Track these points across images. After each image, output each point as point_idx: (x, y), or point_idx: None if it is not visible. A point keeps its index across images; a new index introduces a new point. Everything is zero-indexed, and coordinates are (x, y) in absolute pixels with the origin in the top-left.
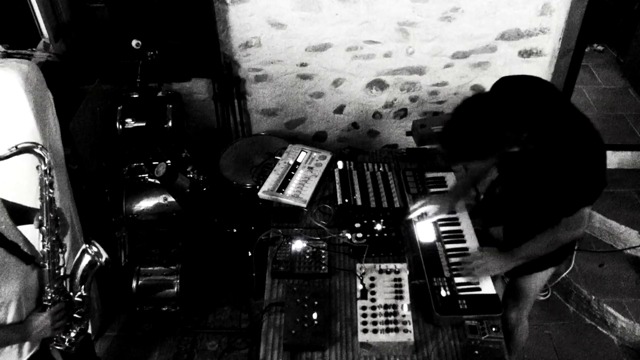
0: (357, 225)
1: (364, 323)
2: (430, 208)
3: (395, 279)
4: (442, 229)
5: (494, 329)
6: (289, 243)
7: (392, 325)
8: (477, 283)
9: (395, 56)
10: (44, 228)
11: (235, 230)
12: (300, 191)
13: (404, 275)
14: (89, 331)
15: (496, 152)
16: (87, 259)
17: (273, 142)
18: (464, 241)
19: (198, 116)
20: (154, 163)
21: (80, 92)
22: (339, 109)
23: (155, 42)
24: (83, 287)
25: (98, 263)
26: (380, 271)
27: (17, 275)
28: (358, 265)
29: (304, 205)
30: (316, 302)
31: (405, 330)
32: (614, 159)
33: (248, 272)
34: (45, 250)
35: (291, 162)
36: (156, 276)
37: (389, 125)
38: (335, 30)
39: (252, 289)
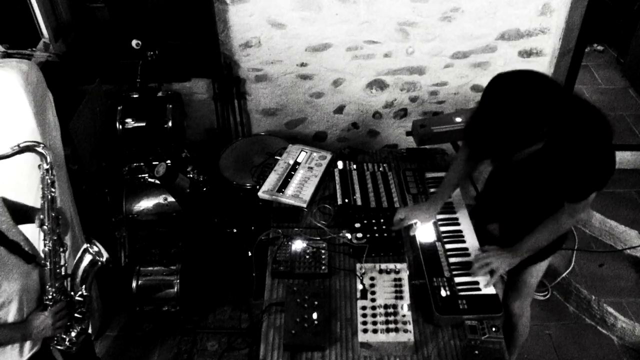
0: (357, 225)
1: (364, 323)
2: (414, 220)
3: (395, 279)
4: (442, 229)
5: (494, 329)
6: (289, 243)
7: (392, 325)
8: (487, 284)
9: (395, 56)
10: (45, 227)
11: (235, 230)
12: (300, 191)
13: (404, 275)
14: (89, 331)
15: (520, 148)
16: (88, 258)
17: (273, 142)
18: (464, 241)
19: (198, 116)
20: (154, 163)
21: (80, 92)
22: (339, 109)
23: (155, 42)
24: (84, 286)
25: (99, 263)
26: (380, 271)
27: (18, 274)
28: (358, 265)
29: (304, 205)
30: (316, 302)
31: (405, 330)
32: None
33: (248, 272)
34: (46, 249)
35: (291, 162)
36: (156, 276)
37: (389, 125)
38: (335, 30)
39: (252, 289)
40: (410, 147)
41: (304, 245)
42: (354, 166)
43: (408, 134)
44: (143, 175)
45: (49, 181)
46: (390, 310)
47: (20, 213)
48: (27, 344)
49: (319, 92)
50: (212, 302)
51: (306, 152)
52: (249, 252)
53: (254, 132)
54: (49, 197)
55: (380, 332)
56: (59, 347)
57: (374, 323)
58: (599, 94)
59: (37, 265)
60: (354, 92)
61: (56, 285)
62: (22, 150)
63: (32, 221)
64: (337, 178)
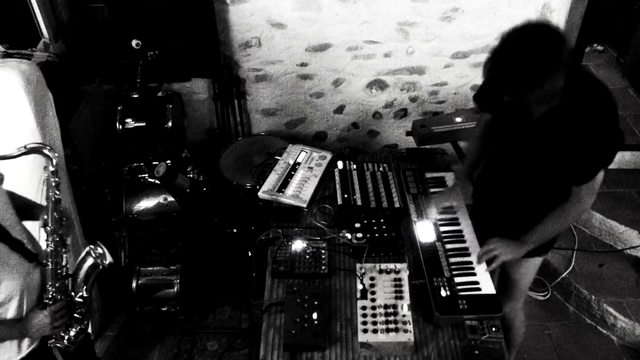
0: (357, 225)
1: (364, 323)
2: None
3: (395, 279)
4: (442, 229)
5: (494, 329)
6: (289, 243)
7: (392, 325)
8: (487, 270)
9: (395, 56)
10: (48, 228)
11: (235, 230)
12: (300, 191)
13: (404, 275)
14: (89, 331)
15: (545, 87)
16: (90, 260)
17: (273, 142)
18: (464, 241)
19: (198, 116)
20: (154, 163)
21: (80, 92)
22: (339, 109)
23: (155, 42)
24: (85, 288)
25: (100, 266)
26: (380, 271)
27: (19, 272)
28: (358, 265)
29: (304, 205)
30: (316, 302)
31: (405, 330)
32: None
33: (248, 272)
34: (48, 249)
35: (291, 162)
36: (156, 276)
37: (389, 125)
38: (335, 30)
39: (252, 289)
40: (410, 147)
41: (304, 245)
42: (354, 166)
43: (408, 134)
44: (143, 175)
45: (53, 183)
46: (390, 310)
47: (26, 209)
48: (26, 341)
49: (319, 92)
50: (212, 302)
51: (306, 152)
52: (249, 252)
53: (254, 132)
54: (53, 198)
55: (380, 332)
56: (57, 345)
57: (374, 323)
58: None
59: (39, 264)
60: (354, 92)
61: (56, 285)
62: (28, 151)
63: (36, 218)
64: (337, 178)
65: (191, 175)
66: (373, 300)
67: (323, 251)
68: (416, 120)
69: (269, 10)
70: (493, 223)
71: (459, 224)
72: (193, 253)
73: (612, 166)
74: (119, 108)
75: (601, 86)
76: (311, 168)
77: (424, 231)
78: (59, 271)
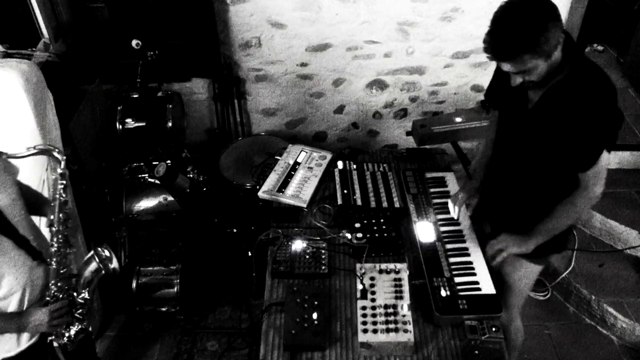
0: (357, 225)
1: (364, 323)
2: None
3: (395, 279)
4: (442, 229)
5: (494, 329)
6: (289, 243)
7: (392, 325)
8: (494, 265)
9: (395, 56)
10: (53, 228)
11: (235, 230)
12: (300, 191)
13: (404, 275)
14: (90, 330)
15: (542, 46)
16: (94, 263)
17: (273, 142)
18: (464, 241)
19: (198, 116)
20: (154, 163)
21: (80, 92)
22: (339, 109)
23: (155, 42)
24: (87, 289)
25: (103, 270)
26: (380, 271)
27: (23, 268)
28: (358, 265)
29: (304, 205)
30: (316, 302)
31: (405, 330)
32: (614, 158)
33: (248, 272)
34: (52, 249)
35: (291, 162)
36: (156, 276)
37: (389, 125)
38: (335, 30)
39: (252, 289)
40: (410, 147)
41: (304, 245)
42: (354, 166)
43: (408, 134)
44: (143, 175)
45: (60, 185)
46: (390, 310)
47: (34, 203)
48: (25, 335)
49: (319, 92)
50: (212, 302)
51: (306, 152)
52: (249, 252)
53: (254, 132)
54: (60, 200)
55: (380, 332)
56: (57, 342)
57: (374, 323)
58: None
59: (43, 262)
60: (354, 92)
61: (59, 284)
62: (38, 152)
63: (44, 214)
64: (337, 178)
65: (191, 175)
66: (373, 300)
67: (323, 251)
68: (416, 120)
69: (269, 10)
70: (501, 218)
71: (459, 224)
72: (193, 253)
73: (612, 166)
74: (119, 108)
75: (597, 67)
76: (311, 168)
77: (424, 231)
78: (62, 271)
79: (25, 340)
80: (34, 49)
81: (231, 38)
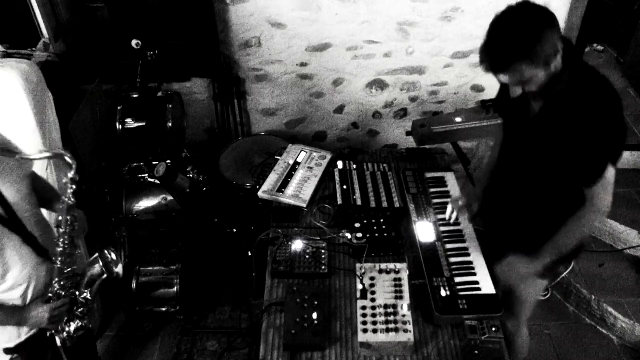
0: (357, 225)
1: (364, 323)
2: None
3: (395, 279)
4: (442, 229)
5: (494, 329)
6: (289, 243)
7: (392, 325)
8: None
9: (395, 56)
10: (61, 229)
11: (235, 230)
12: (300, 191)
13: (404, 275)
14: (90, 327)
15: (538, 54)
16: (98, 266)
17: (273, 142)
18: (464, 241)
19: (198, 116)
20: (154, 163)
21: (80, 92)
22: (339, 109)
23: (155, 42)
24: (89, 290)
25: (106, 274)
26: (380, 271)
27: (29, 264)
28: (358, 265)
29: (304, 205)
30: (316, 302)
31: (405, 330)
32: None
33: (248, 272)
34: (58, 249)
35: (291, 162)
36: (156, 276)
37: (389, 125)
38: (335, 30)
39: (252, 289)
40: (410, 147)
41: (304, 245)
42: (354, 166)
43: (408, 134)
44: (143, 175)
45: (70, 190)
46: (390, 310)
47: (46, 197)
48: (25, 327)
49: (319, 92)
50: (212, 302)
51: (306, 152)
52: (249, 252)
53: (254, 132)
54: (69, 204)
55: (380, 332)
56: (57, 337)
57: (374, 323)
58: None
59: (48, 259)
60: (354, 92)
61: (62, 283)
62: (50, 157)
63: (54, 210)
64: (337, 178)
65: (191, 175)
66: (373, 300)
67: (323, 251)
68: (416, 120)
69: (269, 10)
70: (505, 233)
71: (459, 224)
72: (193, 253)
73: None
74: (119, 108)
75: (602, 78)
76: (311, 168)
77: (424, 231)
78: (66, 270)
79: (25, 332)
80: (34, 49)
81: (231, 38)
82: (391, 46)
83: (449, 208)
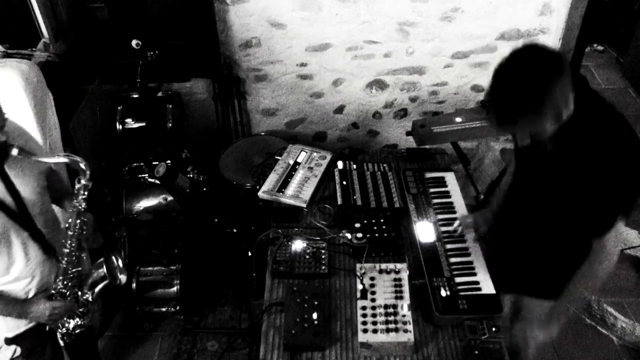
0: (357, 225)
1: (364, 323)
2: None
3: (395, 279)
4: (442, 229)
5: (494, 329)
6: (289, 243)
7: (392, 325)
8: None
9: (395, 56)
10: (69, 232)
11: (235, 230)
12: (300, 191)
13: (404, 275)
14: (90, 324)
15: (547, 109)
16: (102, 271)
17: (273, 142)
18: (464, 241)
19: (198, 116)
20: (154, 163)
21: (80, 92)
22: (339, 109)
23: (155, 42)
24: (90, 293)
25: (108, 279)
26: (380, 271)
27: (34, 260)
28: (358, 265)
29: (304, 205)
30: (316, 302)
31: (405, 330)
32: None
33: (248, 272)
34: (65, 250)
35: (291, 162)
36: (156, 276)
37: (389, 125)
38: (335, 30)
39: (252, 289)
40: (410, 147)
41: (304, 245)
42: (354, 166)
43: (408, 134)
44: (143, 175)
45: (81, 196)
46: (390, 310)
47: (58, 193)
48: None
49: (319, 92)
50: (212, 302)
51: (306, 152)
52: (249, 252)
53: (254, 132)
54: (79, 209)
55: (380, 332)
56: (58, 331)
57: (374, 323)
58: None
59: (54, 257)
60: (354, 92)
61: (64, 282)
62: (65, 162)
63: (64, 207)
64: (337, 178)
65: (191, 175)
66: (373, 300)
67: (323, 251)
68: (416, 120)
69: (269, 10)
70: (513, 263)
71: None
72: (193, 253)
73: None
74: (119, 108)
75: (619, 116)
76: (311, 168)
77: (424, 231)
78: (70, 271)
79: (24, 324)
80: (34, 49)
81: (231, 38)
82: (391, 46)
83: (457, 223)
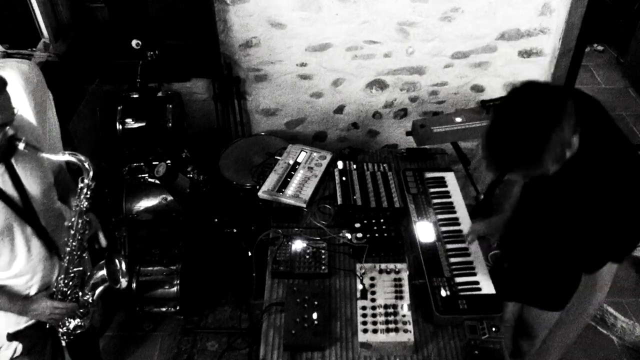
0: (357, 225)
1: (364, 323)
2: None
3: (395, 279)
4: (442, 229)
5: (494, 329)
6: (289, 243)
7: (392, 325)
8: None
9: (395, 56)
10: (72, 231)
11: (235, 230)
12: (300, 191)
13: (404, 275)
14: (91, 324)
15: (546, 157)
16: (103, 272)
17: (273, 142)
18: (464, 241)
19: (198, 116)
20: (154, 163)
21: (80, 92)
22: (339, 109)
23: (155, 42)
24: (91, 295)
25: (108, 282)
26: (380, 271)
27: (37, 256)
28: (358, 265)
29: (304, 205)
30: (316, 302)
31: (405, 330)
32: None
33: (248, 272)
34: (67, 249)
35: (291, 162)
36: (156, 276)
37: (389, 125)
38: (335, 30)
39: (252, 289)
40: (410, 147)
41: (304, 245)
42: (354, 166)
43: (408, 134)
44: (143, 175)
45: (83, 195)
46: (390, 310)
47: (64, 191)
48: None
49: (318, 92)
50: (212, 302)
51: (306, 152)
52: (249, 252)
53: (254, 132)
54: (83, 207)
55: (380, 332)
56: (59, 329)
57: (374, 323)
58: (598, 94)
59: (56, 255)
60: (354, 92)
61: (65, 281)
62: (70, 161)
63: (68, 204)
64: (337, 178)
65: (191, 175)
66: (373, 300)
67: (323, 251)
68: (416, 120)
69: (269, 10)
70: (520, 275)
71: (459, 224)
72: (193, 253)
73: None
74: (119, 108)
75: (627, 143)
76: (311, 168)
77: (424, 231)
78: (71, 269)
79: (25, 321)
80: (34, 49)
81: (231, 38)
82: (391, 46)
83: (469, 237)
